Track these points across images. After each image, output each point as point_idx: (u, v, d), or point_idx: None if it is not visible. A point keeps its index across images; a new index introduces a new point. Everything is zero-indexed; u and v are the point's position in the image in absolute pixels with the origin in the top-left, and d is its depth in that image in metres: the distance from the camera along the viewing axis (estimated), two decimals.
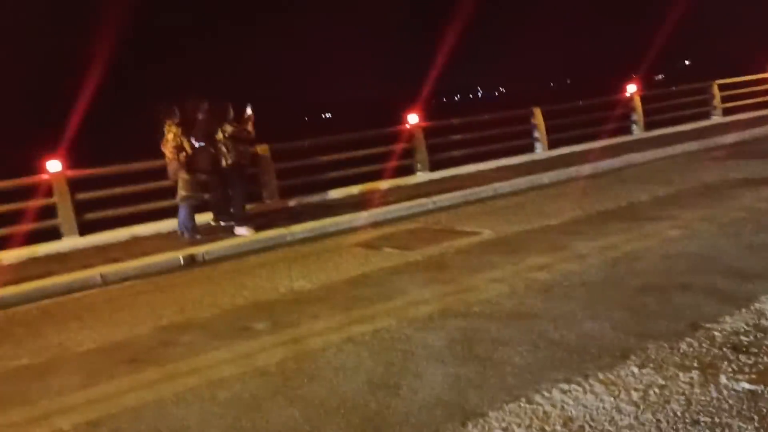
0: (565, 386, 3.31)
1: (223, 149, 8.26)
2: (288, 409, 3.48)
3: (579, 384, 3.32)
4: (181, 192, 8.17)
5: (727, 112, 15.37)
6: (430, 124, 12.23)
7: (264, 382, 3.86)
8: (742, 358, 3.39)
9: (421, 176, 11.35)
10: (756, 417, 2.81)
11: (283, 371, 4.00)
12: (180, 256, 7.51)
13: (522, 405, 3.18)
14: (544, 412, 3.08)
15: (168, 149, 8.03)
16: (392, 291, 5.46)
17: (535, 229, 7.24)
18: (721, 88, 15.50)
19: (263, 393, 3.71)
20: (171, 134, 7.99)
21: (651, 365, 3.44)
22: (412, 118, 11.56)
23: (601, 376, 3.39)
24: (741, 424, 2.77)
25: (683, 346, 3.62)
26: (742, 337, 3.63)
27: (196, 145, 8.16)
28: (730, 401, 2.97)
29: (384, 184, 10.71)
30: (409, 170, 11.51)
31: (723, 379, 3.18)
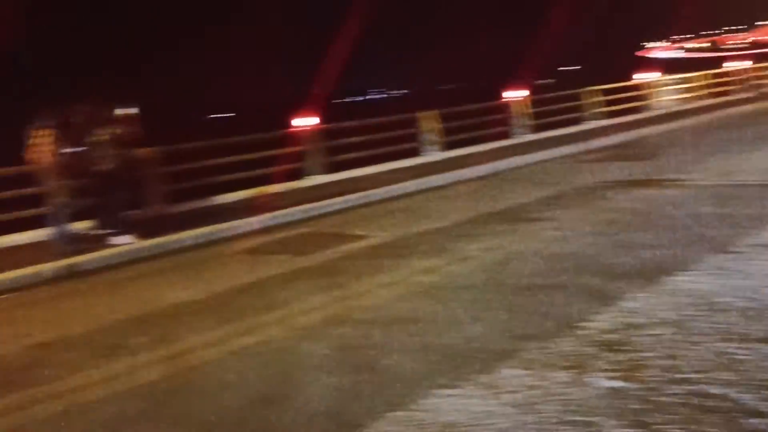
0: (447, 391, 3.35)
1: (102, 153, 7.86)
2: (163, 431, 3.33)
3: (461, 388, 3.37)
4: (55, 198, 7.70)
5: (606, 115, 16.27)
6: (324, 126, 12.17)
7: (139, 403, 3.67)
8: (613, 355, 3.56)
9: (315, 179, 11.27)
10: (625, 413, 2.95)
11: (160, 390, 3.82)
12: (54, 267, 7.07)
13: (402, 413, 3.18)
14: (424, 420, 3.10)
15: (36, 154, 7.54)
16: (279, 299, 5.37)
17: (425, 231, 7.34)
18: (599, 93, 16.39)
19: (136, 415, 3.53)
20: (41, 139, 7.51)
21: (529, 366, 3.54)
22: (306, 120, 11.46)
23: (482, 379, 3.45)
24: (612, 421, 2.89)
25: (560, 346, 3.75)
26: (613, 335, 3.81)
27: (71, 149, 7.72)
28: (601, 399, 3.10)
29: (276, 188, 10.54)
30: (302, 173, 11.39)
31: (595, 378, 3.32)
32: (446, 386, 3.41)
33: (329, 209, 9.18)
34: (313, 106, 14.43)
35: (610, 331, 3.88)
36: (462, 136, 13.79)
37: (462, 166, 11.40)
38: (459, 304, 4.72)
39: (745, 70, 22.81)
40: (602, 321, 4.05)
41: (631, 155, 11.49)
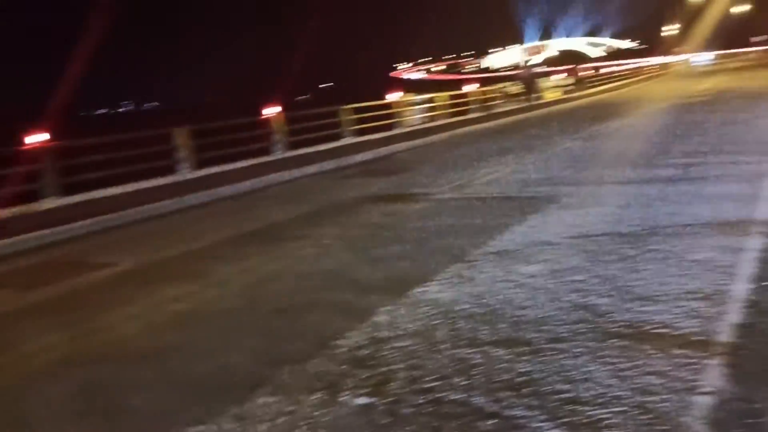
0: (201, 428, 3.17)
1: None
2: None
3: (213, 423, 3.21)
4: None
5: (357, 133, 16.91)
6: (59, 142, 11.07)
7: None
8: (362, 372, 3.63)
9: (52, 202, 10.19)
10: (373, 430, 3.00)
11: None
12: None
13: None
14: None
15: None
16: (7, 341, 4.73)
17: (176, 255, 6.99)
18: (354, 111, 17.01)
19: None
20: None
21: (282, 392, 3.48)
22: (38, 136, 10.34)
23: (235, 410, 3.32)
24: None
25: (311, 367, 3.74)
26: (362, 351, 3.90)
27: None
28: (350, 418, 3.13)
29: (2, 213, 9.36)
30: (35, 196, 10.23)
31: (344, 396, 3.35)
32: (200, 422, 3.22)
33: (68, 235, 8.39)
34: (49, 120, 13.10)
35: (361, 347, 3.96)
36: (219, 152, 13.44)
37: (219, 184, 11.12)
38: (213, 332, 4.53)
39: (475, 92, 25.26)
40: (354, 337, 4.12)
41: (383, 170, 12.08)
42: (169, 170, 12.29)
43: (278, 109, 14.84)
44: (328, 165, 13.09)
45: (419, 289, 4.95)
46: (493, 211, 7.54)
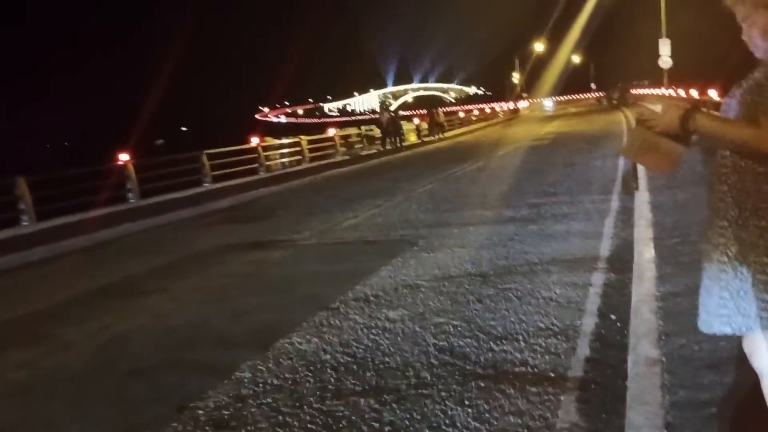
0: None
1: None
2: None
3: None
4: None
5: (217, 179, 16.55)
6: None
7: None
8: None
9: None
10: None
11: None
12: None
13: None
14: None
15: None
16: None
17: (18, 317, 6.43)
18: (211, 156, 16.66)
19: None
20: None
21: None
22: None
23: None
24: None
25: None
26: (224, 411, 3.73)
27: None
28: None
29: None
30: None
31: None
32: None
33: None
34: None
35: (223, 407, 3.79)
36: (69, 202, 12.65)
37: (69, 236, 10.42)
38: (60, 402, 4.18)
39: (338, 136, 25.65)
40: (215, 397, 3.94)
41: (245, 217, 11.85)
42: (10, 223, 11.39)
43: (128, 156, 14.24)
44: (188, 212, 12.66)
45: (283, 341, 4.84)
46: (356, 256, 7.58)
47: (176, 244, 9.80)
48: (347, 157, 23.87)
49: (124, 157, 14.12)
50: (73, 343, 5.37)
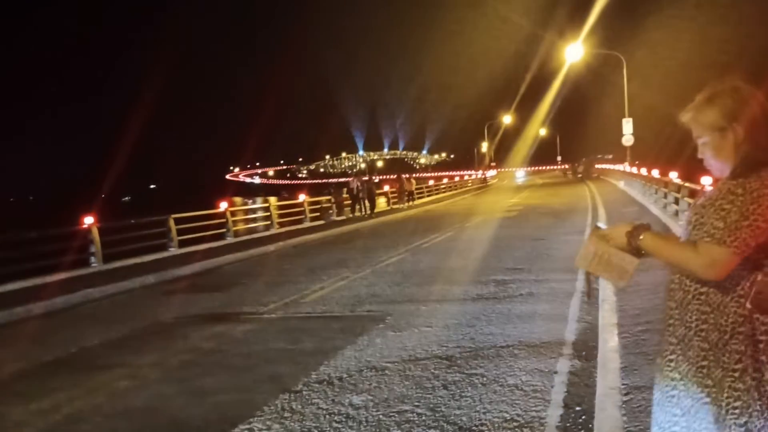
0: None
1: None
2: None
3: None
4: None
5: (183, 243, 16.37)
6: None
7: None
8: None
9: None
10: None
11: None
12: None
13: None
14: None
15: None
16: None
17: None
18: (178, 221, 16.51)
19: None
20: None
21: None
22: None
23: None
24: None
25: None
26: None
27: None
28: None
29: None
30: None
31: None
32: None
33: None
34: None
35: None
36: (28, 265, 12.35)
37: (24, 302, 10.11)
38: None
39: (308, 201, 25.67)
40: None
41: (210, 285, 11.66)
42: None
43: (93, 219, 14.05)
44: (151, 278, 12.41)
45: (243, 427, 4.69)
46: (321, 333, 7.46)
47: (137, 313, 9.57)
48: (316, 224, 23.87)
49: (88, 220, 13.91)
50: (20, 424, 5.14)
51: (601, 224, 2.43)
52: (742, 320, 1.98)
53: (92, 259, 13.81)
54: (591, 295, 7.75)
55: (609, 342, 5.88)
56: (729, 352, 2.00)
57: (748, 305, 1.95)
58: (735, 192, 1.98)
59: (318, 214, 25.92)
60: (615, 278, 2.24)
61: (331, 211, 26.96)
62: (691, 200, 14.14)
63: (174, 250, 16.01)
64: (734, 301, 2.00)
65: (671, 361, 2.14)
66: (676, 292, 2.15)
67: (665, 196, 18.06)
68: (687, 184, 14.65)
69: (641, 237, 2.14)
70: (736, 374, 1.98)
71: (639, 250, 2.16)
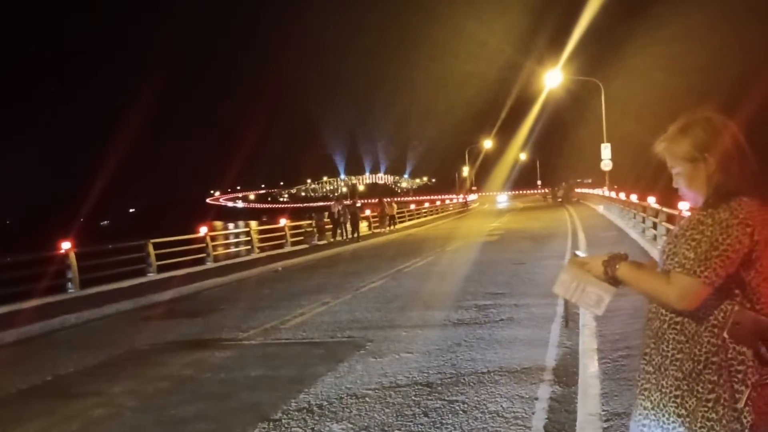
0: None
1: None
2: None
3: None
4: None
5: (162, 268, 16.21)
6: None
7: None
8: None
9: None
10: None
11: None
12: None
13: None
14: None
15: None
16: None
17: None
18: (157, 246, 16.36)
19: None
20: None
21: None
22: None
23: None
24: None
25: None
26: None
27: None
28: None
29: None
30: None
31: None
32: None
33: None
34: None
35: None
36: (3, 291, 12.17)
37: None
38: None
39: (289, 225, 25.60)
40: None
41: (188, 311, 11.53)
42: None
43: (70, 244, 13.88)
44: (129, 304, 12.26)
45: None
46: (301, 359, 7.40)
47: (114, 339, 9.42)
48: (297, 248, 23.78)
49: (65, 245, 13.74)
50: None
51: (580, 252, 2.45)
52: (715, 350, 1.99)
53: (69, 284, 13.62)
54: (569, 321, 7.79)
55: (589, 368, 5.89)
56: (703, 382, 2.00)
57: (725, 336, 1.95)
58: (705, 222, 2.00)
59: (301, 238, 25.86)
60: (592, 306, 2.25)
61: (313, 236, 26.91)
62: (669, 225, 14.30)
63: (153, 276, 15.84)
64: (708, 330, 2.01)
65: (645, 390, 2.14)
66: (653, 321, 2.16)
67: (644, 221, 18.25)
68: (665, 209, 14.82)
69: (618, 267, 2.16)
70: (710, 404, 1.99)
71: (616, 279, 2.17)
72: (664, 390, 2.07)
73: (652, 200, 16.76)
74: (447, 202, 65.29)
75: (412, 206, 47.80)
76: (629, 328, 7.06)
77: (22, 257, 13.47)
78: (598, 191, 42.73)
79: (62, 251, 13.65)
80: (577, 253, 2.44)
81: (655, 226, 16.13)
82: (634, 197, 21.23)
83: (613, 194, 30.64)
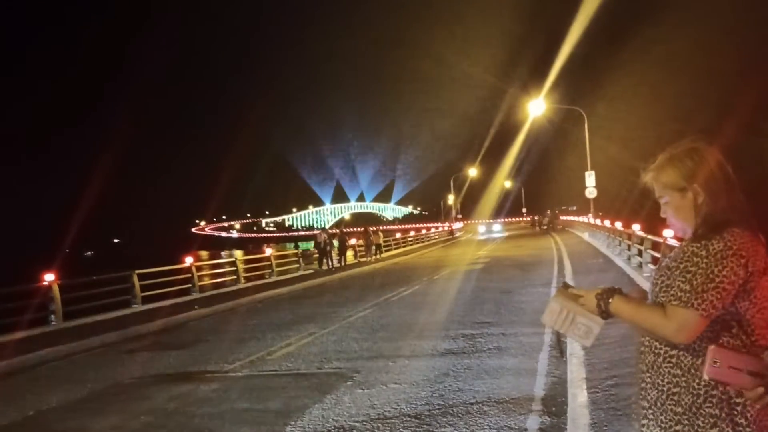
0: None
1: None
2: None
3: None
4: None
5: (147, 299, 16.04)
6: None
7: None
8: None
9: None
10: None
11: None
12: None
13: None
14: None
15: None
16: None
17: None
18: (142, 276, 16.22)
19: None
20: None
21: None
22: None
23: None
24: None
25: None
26: None
27: None
28: None
29: None
30: None
31: None
32: None
33: None
34: None
35: None
36: None
37: None
38: None
39: (275, 255, 25.51)
40: None
41: (174, 343, 11.39)
42: None
43: (54, 276, 13.73)
44: (113, 336, 12.10)
45: None
46: (287, 391, 7.31)
47: (98, 373, 9.27)
48: (283, 278, 23.66)
49: (49, 277, 13.58)
50: None
51: (569, 281, 2.44)
52: (714, 383, 1.98)
53: (52, 317, 13.43)
54: (563, 352, 7.71)
55: (578, 397, 5.87)
56: (703, 416, 1.98)
57: (705, 377, 1.91)
58: (699, 254, 1.99)
59: (287, 267, 25.75)
60: (581, 337, 2.24)
61: (297, 265, 26.82)
62: (654, 252, 14.38)
63: (137, 307, 15.67)
64: (705, 363, 2.00)
65: (643, 426, 2.12)
66: (646, 355, 2.14)
67: (629, 248, 18.35)
68: (650, 237, 14.91)
69: (611, 300, 2.14)
70: None
71: (608, 313, 2.16)
72: (663, 425, 2.05)
73: (636, 227, 16.86)
74: (433, 230, 65.36)
75: (398, 235, 47.79)
76: (618, 356, 7.05)
77: (4, 289, 13.27)
78: (583, 218, 42.98)
79: (45, 283, 13.48)
80: (567, 282, 2.43)
81: (640, 253, 16.21)
82: (618, 224, 21.35)
83: (598, 221, 30.82)
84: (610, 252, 22.57)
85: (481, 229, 73.66)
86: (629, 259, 18.10)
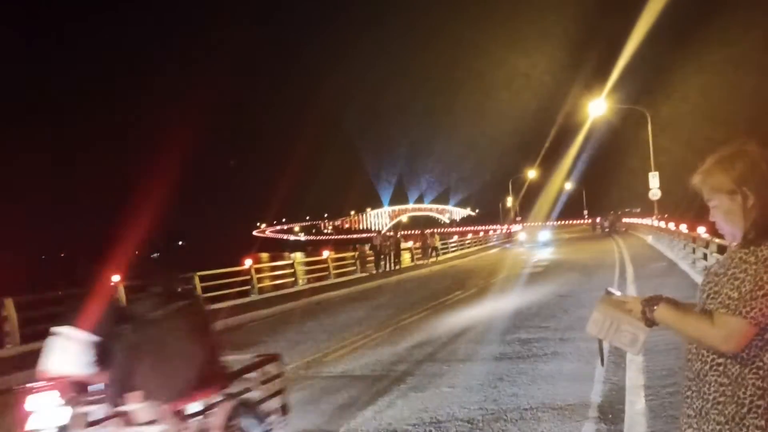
0: None
1: None
2: None
3: None
4: None
5: (207, 301, 16.40)
6: None
7: None
8: None
9: None
10: None
11: None
12: None
13: None
14: None
15: None
16: None
17: None
18: (203, 278, 16.62)
19: None
20: None
21: None
22: None
23: None
24: None
25: None
26: None
27: None
28: None
29: None
30: None
31: None
32: None
33: None
34: None
35: None
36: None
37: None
38: None
39: (333, 257, 25.75)
40: None
41: (231, 344, 11.58)
42: None
43: (119, 277, 14.18)
44: None
45: None
46: (341, 393, 7.36)
47: None
48: (340, 280, 23.86)
49: (114, 278, 14.04)
50: None
51: (613, 290, 2.39)
52: (761, 393, 1.91)
53: None
54: (603, 362, 7.53)
55: (636, 404, 5.71)
56: (747, 427, 1.91)
57: None
58: (747, 261, 1.93)
59: (345, 270, 25.97)
60: (627, 345, 2.19)
61: (354, 267, 26.99)
62: (720, 256, 13.87)
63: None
64: (752, 372, 1.93)
65: None
66: (693, 363, 2.08)
67: (694, 252, 17.78)
68: (716, 240, 14.40)
69: (656, 308, 2.09)
70: None
71: (653, 321, 2.11)
72: None
73: (702, 230, 16.31)
74: (491, 233, 64.74)
75: (455, 237, 47.55)
76: (678, 362, 6.83)
77: (66, 291, 13.75)
78: (646, 221, 41.83)
79: (111, 284, 13.95)
80: (610, 290, 2.38)
81: (705, 256, 15.68)
82: (683, 227, 20.70)
83: (662, 224, 29.95)
84: (674, 256, 21.90)
85: (522, 237, 52.05)
86: (694, 262, 17.53)
